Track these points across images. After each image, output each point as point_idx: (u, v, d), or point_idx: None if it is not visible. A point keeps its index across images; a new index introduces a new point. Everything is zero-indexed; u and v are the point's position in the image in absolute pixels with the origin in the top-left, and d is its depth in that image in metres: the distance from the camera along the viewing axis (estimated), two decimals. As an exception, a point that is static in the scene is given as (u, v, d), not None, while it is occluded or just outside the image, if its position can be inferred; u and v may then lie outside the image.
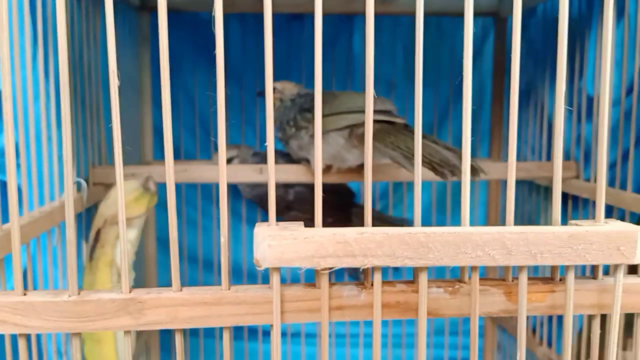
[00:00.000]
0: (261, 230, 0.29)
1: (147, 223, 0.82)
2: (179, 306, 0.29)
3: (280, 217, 0.81)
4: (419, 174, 0.30)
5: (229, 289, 0.30)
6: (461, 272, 0.31)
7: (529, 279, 0.31)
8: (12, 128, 0.30)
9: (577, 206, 0.71)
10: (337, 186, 0.81)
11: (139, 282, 0.81)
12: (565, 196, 0.72)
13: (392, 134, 0.57)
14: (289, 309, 0.30)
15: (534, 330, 0.77)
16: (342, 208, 0.81)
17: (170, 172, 0.29)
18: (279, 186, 0.77)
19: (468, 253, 0.29)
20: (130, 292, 0.29)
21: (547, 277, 0.32)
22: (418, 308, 0.30)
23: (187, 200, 0.86)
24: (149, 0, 0.82)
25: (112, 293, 0.29)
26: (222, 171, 0.30)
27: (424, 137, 0.55)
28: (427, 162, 0.51)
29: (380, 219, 0.82)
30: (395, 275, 0.90)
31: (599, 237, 0.29)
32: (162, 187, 0.63)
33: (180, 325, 0.29)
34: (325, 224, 0.30)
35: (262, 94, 0.73)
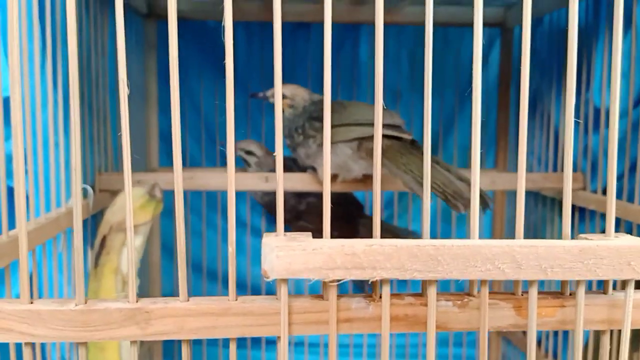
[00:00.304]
0: (269, 241, 0.29)
1: (152, 230, 0.82)
2: (186, 316, 0.29)
3: (287, 226, 0.81)
4: (428, 189, 0.29)
5: (236, 300, 0.30)
6: (470, 286, 0.31)
7: (538, 293, 0.31)
8: (22, 135, 0.30)
9: (583, 218, 0.70)
10: (345, 199, 0.81)
11: (143, 289, 0.80)
12: (571, 208, 0.71)
13: (404, 153, 0.56)
14: (296, 321, 0.29)
15: (539, 343, 0.77)
16: (349, 221, 0.80)
17: (178, 180, 0.29)
18: (292, 195, 0.77)
19: (477, 266, 0.29)
20: (137, 301, 0.29)
21: (557, 291, 0.32)
22: (427, 321, 0.29)
23: (192, 208, 0.86)
24: (156, 8, 0.82)
25: (119, 302, 0.29)
26: (231, 181, 0.30)
27: (437, 163, 0.54)
28: (441, 192, 0.51)
29: (386, 230, 0.81)
30: (400, 286, 0.89)
31: (610, 251, 0.29)
32: (167, 195, 0.64)
33: (187, 335, 0.29)
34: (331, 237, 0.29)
35: (255, 95, 0.73)
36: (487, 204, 0.51)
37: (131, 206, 0.30)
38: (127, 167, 0.30)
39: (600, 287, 0.33)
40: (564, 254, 0.29)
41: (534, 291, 0.30)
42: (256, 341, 0.89)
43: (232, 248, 0.30)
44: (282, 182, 0.30)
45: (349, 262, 0.28)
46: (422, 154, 0.56)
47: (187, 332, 0.29)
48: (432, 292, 0.29)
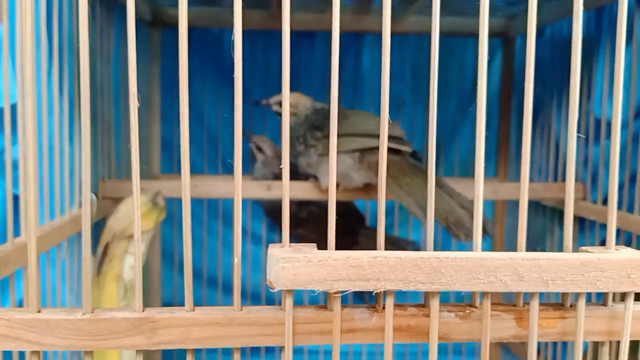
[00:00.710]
0: (275, 252, 0.29)
1: (152, 237, 0.82)
2: (192, 326, 0.29)
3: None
4: (432, 203, 0.30)
5: (241, 310, 0.30)
6: (472, 297, 0.32)
7: (539, 304, 0.31)
8: (33, 145, 0.30)
9: (583, 228, 0.71)
10: (347, 212, 0.81)
11: (144, 296, 0.81)
12: (571, 218, 0.72)
13: (407, 173, 0.56)
14: (300, 331, 0.30)
15: (538, 351, 0.77)
16: (348, 234, 0.80)
17: (186, 192, 0.30)
18: (293, 202, 0.77)
19: (480, 278, 0.29)
20: (143, 311, 0.30)
21: (558, 303, 0.32)
22: (429, 332, 0.30)
23: (193, 215, 0.86)
24: (161, 16, 0.83)
25: (125, 312, 0.30)
26: (238, 192, 0.30)
27: (440, 187, 0.54)
28: (443, 220, 0.51)
29: (386, 240, 0.81)
30: (399, 297, 0.89)
31: (611, 264, 0.30)
32: (169, 202, 0.64)
33: (192, 345, 0.29)
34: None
35: (258, 103, 0.74)
36: (488, 232, 0.51)
37: (138, 215, 0.30)
38: (136, 178, 0.30)
39: (600, 298, 0.33)
40: (566, 267, 0.29)
41: (535, 303, 0.30)
42: (255, 347, 0.89)
43: (237, 259, 0.30)
44: (288, 194, 0.30)
45: (354, 274, 0.29)
46: (425, 172, 0.56)
47: (192, 342, 0.29)
48: (434, 303, 0.30)
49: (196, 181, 0.68)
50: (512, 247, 0.91)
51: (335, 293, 0.29)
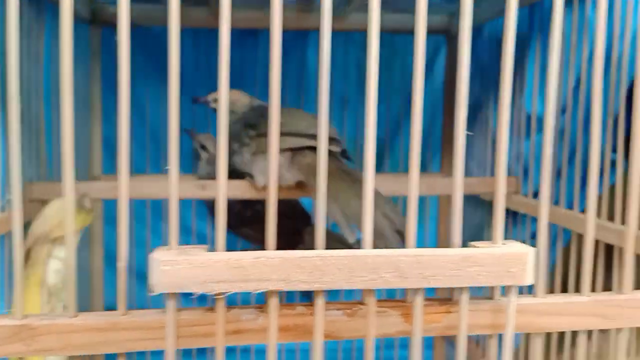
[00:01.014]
0: (157, 255, 0.29)
1: (94, 239, 0.81)
2: (72, 332, 0.29)
3: (231, 231, 0.81)
4: (324, 201, 0.30)
5: (125, 315, 0.30)
6: (362, 294, 0.32)
7: (427, 299, 0.32)
8: None
9: (516, 221, 0.72)
10: (293, 212, 0.81)
11: (84, 300, 0.79)
12: (505, 211, 0.73)
13: (335, 178, 0.54)
14: (185, 334, 0.30)
15: (477, 342, 0.78)
16: (295, 233, 0.80)
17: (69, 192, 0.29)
18: (238, 201, 0.77)
19: (363, 276, 0.29)
20: (23, 318, 0.29)
21: (445, 298, 0.33)
22: (314, 331, 0.30)
23: (137, 216, 0.85)
24: (100, 14, 0.82)
25: (5, 319, 0.29)
26: (123, 187, 0.30)
27: (380, 203, 0.53)
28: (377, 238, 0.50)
29: (336, 240, 0.82)
30: (331, 297, 0.89)
31: (491, 259, 0.30)
32: (110, 203, 0.62)
33: (73, 351, 0.29)
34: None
35: (197, 100, 0.73)
36: (403, 237, 0.51)
37: (20, 219, 0.30)
38: (16, 183, 0.30)
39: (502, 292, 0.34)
40: (447, 263, 0.30)
41: (418, 299, 0.31)
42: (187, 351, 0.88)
43: (122, 263, 0.30)
44: (176, 192, 0.30)
45: (236, 275, 0.29)
46: (352, 175, 0.56)
47: (73, 348, 0.29)
48: (319, 302, 0.30)
49: (135, 181, 0.67)
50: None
51: (217, 295, 0.29)
